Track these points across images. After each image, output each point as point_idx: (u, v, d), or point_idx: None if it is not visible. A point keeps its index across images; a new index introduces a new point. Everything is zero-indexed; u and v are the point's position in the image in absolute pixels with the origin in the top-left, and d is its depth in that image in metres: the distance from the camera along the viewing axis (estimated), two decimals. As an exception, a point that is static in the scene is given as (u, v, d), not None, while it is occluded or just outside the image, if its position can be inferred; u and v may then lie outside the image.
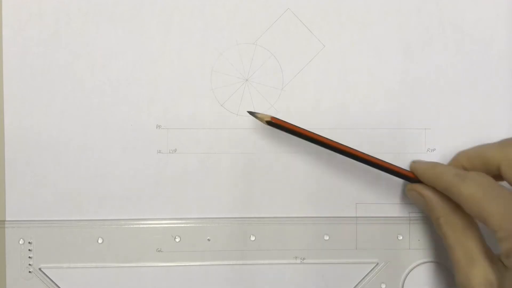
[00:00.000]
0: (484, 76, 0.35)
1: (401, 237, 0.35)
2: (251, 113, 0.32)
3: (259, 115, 0.32)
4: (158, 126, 0.34)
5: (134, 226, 0.34)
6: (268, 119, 0.32)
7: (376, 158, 0.32)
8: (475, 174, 0.29)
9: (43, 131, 0.33)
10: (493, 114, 0.35)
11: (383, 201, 0.34)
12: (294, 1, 0.34)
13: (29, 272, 0.34)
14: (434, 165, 0.31)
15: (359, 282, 0.34)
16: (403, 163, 0.34)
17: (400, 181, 0.34)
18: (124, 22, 0.33)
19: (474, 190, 0.27)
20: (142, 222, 0.34)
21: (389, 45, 0.34)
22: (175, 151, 0.34)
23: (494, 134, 0.34)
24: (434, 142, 0.34)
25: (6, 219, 0.33)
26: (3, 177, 0.33)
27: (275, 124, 0.32)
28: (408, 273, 0.35)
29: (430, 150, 0.34)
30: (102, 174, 0.34)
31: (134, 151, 0.34)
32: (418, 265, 0.35)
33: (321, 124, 0.34)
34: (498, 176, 0.29)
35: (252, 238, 0.34)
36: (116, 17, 0.33)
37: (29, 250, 0.34)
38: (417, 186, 0.32)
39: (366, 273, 0.35)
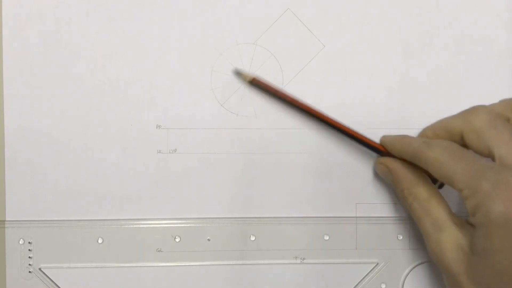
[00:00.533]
0: (484, 76, 0.35)
1: (401, 237, 0.35)
2: (236, 72, 0.33)
3: (243, 74, 0.33)
4: (158, 126, 0.34)
5: (134, 226, 0.34)
6: (251, 79, 0.32)
7: (348, 127, 0.33)
8: (441, 140, 0.30)
9: (43, 131, 0.33)
10: (493, 114, 0.35)
11: (383, 201, 0.34)
12: (294, 1, 0.34)
13: (29, 272, 0.34)
14: (403, 137, 0.32)
15: (359, 282, 0.34)
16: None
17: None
18: (124, 22, 0.33)
19: (439, 153, 0.28)
20: (142, 222, 0.34)
21: (389, 45, 0.34)
22: (175, 151, 0.34)
23: (494, 134, 0.34)
24: (434, 142, 0.34)
25: (6, 219, 0.33)
26: (3, 177, 0.33)
27: (257, 85, 0.33)
28: (408, 273, 0.35)
29: (430, 150, 0.34)
30: (102, 174, 0.34)
31: (134, 151, 0.34)
32: (418, 265, 0.35)
33: (321, 124, 0.34)
34: (462, 145, 0.30)
35: (252, 238, 0.34)
36: (116, 17, 0.33)
37: (29, 250, 0.34)
38: (385, 159, 0.32)
39: (366, 273, 0.35)
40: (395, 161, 0.32)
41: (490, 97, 0.34)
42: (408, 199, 0.31)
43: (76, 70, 0.33)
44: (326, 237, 0.34)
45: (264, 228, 0.34)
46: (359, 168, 0.34)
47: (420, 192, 0.30)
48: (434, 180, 0.32)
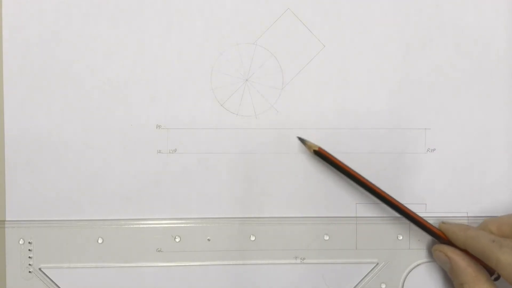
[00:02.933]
0: (484, 76, 0.35)
1: (401, 237, 0.35)
2: (300, 139, 0.33)
3: (307, 143, 0.33)
4: (158, 126, 0.34)
5: (134, 226, 0.34)
6: (316, 148, 0.33)
7: (410, 210, 0.33)
8: None
9: (43, 131, 0.33)
10: (493, 114, 0.35)
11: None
12: (294, 1, 0.34)
13: (29, 272, 0.34)
14: (466, 228, 0.32)
15: (359, 282, 0.34)
16: (403, 163, 0.34)
17: (399, 180, 0.34)
18: (124, 22, 0.33)
19: None
20: (142, 222, 0.34)
21: (389, 45, 0.34)
22: (175, 151, 0.34)
23: (494, 134, 0.34)
24: (434, 142, 0.34)
25: (6, 219, 0.33)
26: (3, 177, 0.33)
27: (322, 155, 0.33)
28: (408, 273, 0.35)
29: (430, 150, 0.34)
30: (102, 174, 0.34)
31: (134, 151, 0.34)
32: (418, 265, 0.35)
33: (321, 124, 0.34)
34: None
35: (252, 238, 0.34)
36: (116, 17, 0.33)
37: (29, 250, 0.34)
38: (445, 248, 0.32)
39: (366, 273, 0.35)
40: (455, 252, 0.32)
41: (490, 97, 0.34)
42: None
43: (76, 70, 0.33)
44: (326, 237, 0.34)
45: (264, 228, 0.34)
46: (359, 168, 0.34)
47: None
48: (490, 271, 0.31)
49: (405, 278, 0.35)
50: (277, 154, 0.34)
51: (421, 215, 0.34)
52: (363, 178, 0.33)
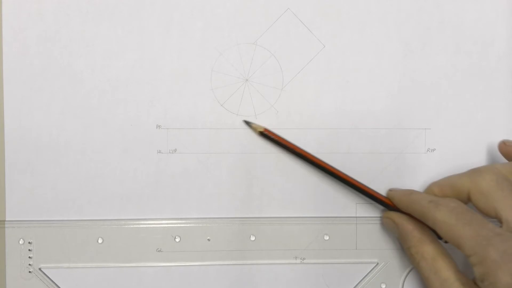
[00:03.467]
0: (484, 76, 0.35)
1: (401, 237, 0.35)
2: (246, 122, 0.33)
3: (253, 125, 0.33)
4: (158, 126, 0.34)
5: (134, 226, 0.34)
6: (261, 129, 0.33)
7: (357, 181, 0.33)
8: (448, 200, 0.30)
9: (43, 131, 0.33)
10: (493, 114, 0.35)
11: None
12: (294, 1, 0.34)
13: (29, 272, 0.34)
14: (410, 192, 0.32)
15: (359, 282, 0.34)
16: (403, 164, 0.34)
17: (399, 180, 0.34)
18: (124, 22, 0.33)
19: (447, 215, 0.28)
20: (142, 222, 0.34)
21: (389, 45, 0.34)
22: (175, 151, 0.34)
23: (493, 134, 0.34)
24: (434, 142, 0.34)
25: (6, 219, 0.33)
26: (3, 177, 0.33)
27: (267, 135, 0.33)
28: (408, 273, 0.35)
29: (430, 150, 0.34)
30: (102, 174, 0.34)
31: (134, 151, 0.34)
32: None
33: (321, 124, 0.34)
34: (468, 204, 0.30)
35: (252, 238, 0.34)
36: (116, 17, 0.33)
37: (29, 250, 0.34)
38: (392, 214, 0.33)
39: (366, 273, 0.35)
40: (402, 217, 0.32)
41: (490, 97, 0.34)
42: (416, 258, 0.31)
43: (76, 70, 0.33)
44: (326, 237, 0.34)
45: (264, 228, 0.34)
46: (359, 168, 0.34)
47: (428, 251, 0.30)
48: (439, 236, 0.31)
49: (405, 278, 0.35)
50: (277, 154, 0.34)
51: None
52: (310, 155, 0.33)
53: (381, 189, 0.34)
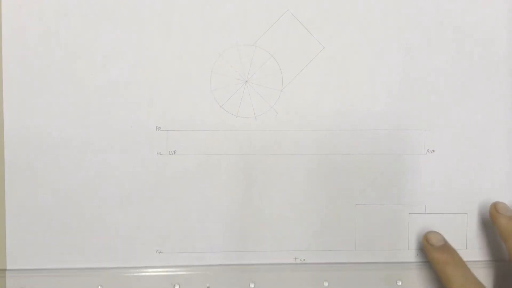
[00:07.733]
0: (484, 77, 0.34)
1: (401, 237, 0.35)
2: None
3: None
4: (158, 128, 0.34)
5: (134, 274, 0.34)
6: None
7: None
8: None
9: (43, 131, 0.33)
10: (493, 114, 0.35)
11: (383, 202, 0.34)
12: (293, 2, 0.34)
13: None
14: None
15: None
16: (403, 165, 0.34)
17: (399, 181, 0.34)
18: (124, 22, 0.33)
19: None
20: (144, 270, 0.34)
21: (389, 45, 0.34)
22: (174, 152, 0.34)
23: (494, 134, 0.34)
24: (433, 143, 0.34)
25: (7, 268, 0.33)
26: (3, 177, 0.33)
27: None
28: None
29: (429, 151, 0.34)
30: (101, 175, 0.34)
31: (134, 153, 0.34)
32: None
33: (321, 125, 0.34)
34: None
35: (252, 238, 0.34)
36: (116, 17, 0.33)
37: None
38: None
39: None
40: None
41: (490, 97, 0.34)
42: None
43: (76, 70, 0.33)
44: (326, 238, 0.34)
45: (264, 228, 0.34)
46: (359, 168, 0.34)
47: None
48: None
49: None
50: (277, 155, 0.34)
51: (421, 216, 0.34)
52: None
53: (381, 189, 0.34)
